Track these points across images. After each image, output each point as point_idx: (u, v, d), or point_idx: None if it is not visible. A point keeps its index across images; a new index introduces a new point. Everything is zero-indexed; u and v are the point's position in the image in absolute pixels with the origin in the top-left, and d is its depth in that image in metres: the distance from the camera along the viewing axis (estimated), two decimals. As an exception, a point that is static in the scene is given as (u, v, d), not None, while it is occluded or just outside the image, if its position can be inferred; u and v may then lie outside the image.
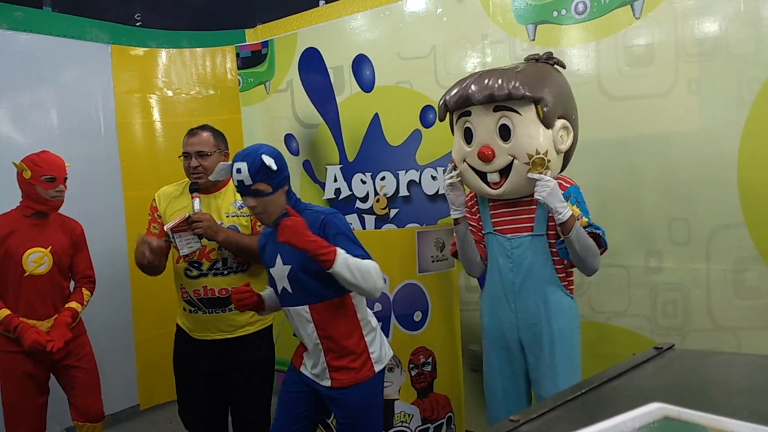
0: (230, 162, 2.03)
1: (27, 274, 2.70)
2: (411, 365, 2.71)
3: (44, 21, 3.51)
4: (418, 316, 2.74)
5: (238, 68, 4.09)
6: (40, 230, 2.77)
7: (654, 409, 0.55)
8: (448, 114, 2.34)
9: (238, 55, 4.08)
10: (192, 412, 2.73)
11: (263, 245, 2.22)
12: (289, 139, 3.86)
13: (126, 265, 3.75)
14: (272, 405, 2.72)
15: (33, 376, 2.75)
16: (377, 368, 2.14)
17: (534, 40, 2.86)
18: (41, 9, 3.56)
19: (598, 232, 2.15)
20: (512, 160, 2.14)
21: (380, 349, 2.18)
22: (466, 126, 2.24)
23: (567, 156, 2.26)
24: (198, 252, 2.48)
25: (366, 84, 3.49)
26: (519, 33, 2.91)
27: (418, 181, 3.30)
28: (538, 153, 2.10)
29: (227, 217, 2.54)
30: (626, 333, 2.70)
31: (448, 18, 3.16)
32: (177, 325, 2.77)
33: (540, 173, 2.10)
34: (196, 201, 2.45)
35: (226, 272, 2.54)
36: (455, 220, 2.31)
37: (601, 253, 2.18)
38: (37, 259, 2.73)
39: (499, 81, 2.11)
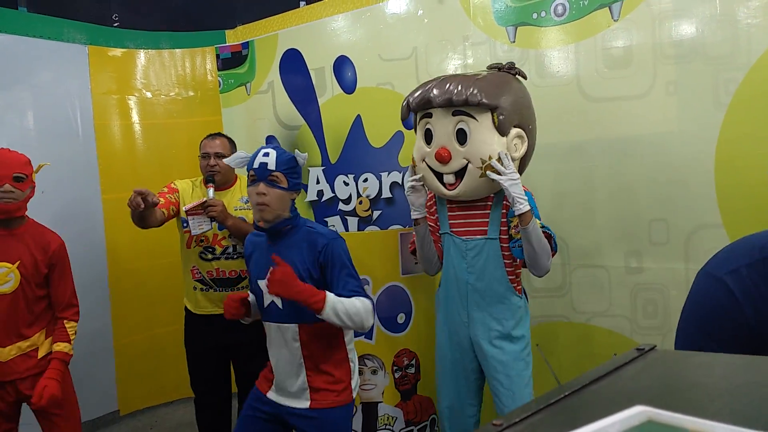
0: (248, 154, 2.12)
1: None
2: (395, 367, 2.71)
3: (20, 21, 3.45)
4: (401, 318, 2.74)
5: (219, 69, 4.06)
6: (6, 242, 2.40)
7: (637, 413, 0.55)
8: (411, 114, 2.41)
9: (218, 56, 4.05)
10: (203, 384, 2.99)
11: (250, 253, 2.19)
12: (270, 140, 3.84)
13: (105, 269, 3.71)
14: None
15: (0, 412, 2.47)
16: (354, 395, 2.15)
17: (514, 42, 2.88)
18: (17, 9, 3.50)
19: (550, 233, 2.23)
20: (467, 164, 2.21)
21: (356, 376, 2.18)
22: (426, 127, 2.32)
23: (522, 164, 2.35)
24: (207, 234, 2.82)
25: (348, 85, 3.48)
26: (499, 35, 2.92)
27: (401, 182, 3.30)
28: (490, 158, 2.17)
29: (235, 210, 2.88)
30: (607, 333, 2.72)
31: (429, 20, 3.17)
32: (186, 309, 2.99)
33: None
34: (211, 190, 2.81)
35: (236, 256, 2.89)
36: (415, 220, 2.40)
37: (552, 256, 2.24)
38: (1, 276, 2.38)
39: (459, 87, 2.19)
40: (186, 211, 2.75)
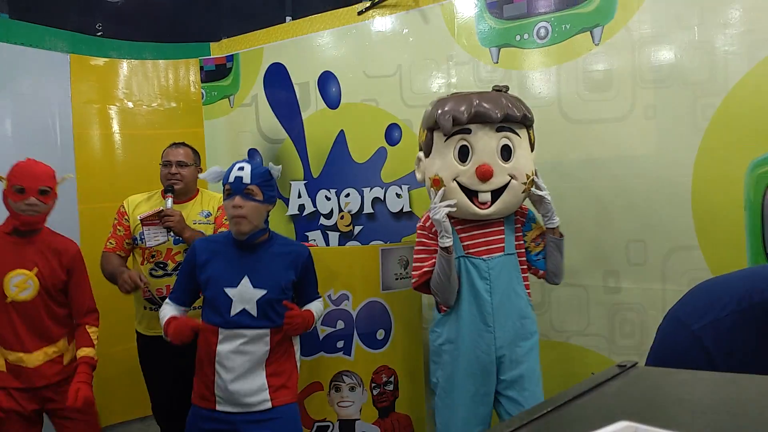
0: (223, 169, 2.16)
1: (9, 300, 2.36)
2: (373, 384, 2.69)
3: (1, 28, 3.41)
4: (381, 335, 2.72)
5: (202, 81, 4.04)
6: (23, 250, 2.40)
7: (622, 428, 0.55)
8: (426, 132, 2.31)
9: (202, 68, 4.04)
10: (165, 408, 2.88)
11: (206, 260, 2.14)
12: (252, 153, 3.83)
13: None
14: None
15: (23, 415, 2.42)
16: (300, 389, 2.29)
17: (497, 62, 2.92)
18: (-2, 15, 3.46)
19: None
20: (509, 180, 2.22)
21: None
22: (462, 144, 2.20)
23: None
24: (160, 248, 2.70)
25: (332, 101, 3.50)
26: (483, 55, 2.96)
27: (382, 198, 3.30)
28: (532, 174, 2.27)
29: (194, 224, 2.76)
30: (586, 352, 2.74)
31: (414, 38, 3.20)
32: (137, 332, 2.86)
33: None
34: (169, 200, 2.71)
35: None
36: (446, 248, 2.17)
37: None
38: (20, 283, 2.38)
39: (511, 103, 2.22)
40: (141, 220, 2.65)
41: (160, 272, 2.74)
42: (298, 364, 2.28)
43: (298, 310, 2.16)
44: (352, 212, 3.42)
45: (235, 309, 2.08)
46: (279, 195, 2.22)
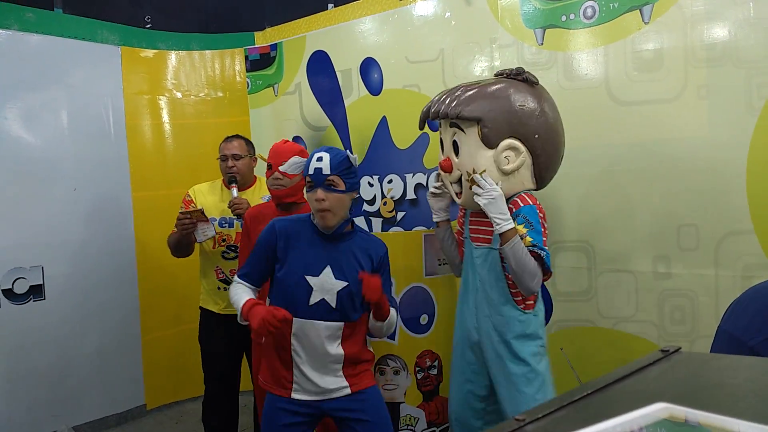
0: (303, 159, 2.17)
1: None
2: (417, 368, 2.71)
3: (55, 22, 3.54)
4: (424, 320, 2.74)
5: (247, 71, 4.11)
6: None
7: (659, 409, 0.55)
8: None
9: (246, 57, 4.10)
10: (217, 382, 3.01)
11: (286, 244, 2.05)
12: (297, 141, 3.88)
13: (134, 266, 3.78)
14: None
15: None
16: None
17: (542, 44, 2.86)
18: (52, 10, 3.59)
19: (540, 253, 2.09)
20: (461, 175, 2.27)
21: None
22: (440, 137, 2.39)
23: (540, 174, 2.26)
24: (230, 232, 2.92)
25: (374, 87, 3.50)
26: (527, 37, 2.91)
27: (425, 184, 3.30)
28: (474, 172, 2.16)
29: None
30: (633, 339, 2.69)
31: (456, 22, 3.17)
32: (203, 310, 3.03)
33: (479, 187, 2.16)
34: (234, 189, 2.88)
35: None
36: (436, 223, 2.48)
37: (546, 278, 2.17)
38: None
39: (447, 99, 2.22)
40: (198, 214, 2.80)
41: (232, 254, 2.94)
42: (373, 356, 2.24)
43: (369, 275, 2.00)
44: (395, 198, 3.43)
45: (314, 298, 2.00)
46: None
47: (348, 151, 2.06)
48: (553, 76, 2.79)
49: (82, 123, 3.61)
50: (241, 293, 2.05)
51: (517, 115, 2.17)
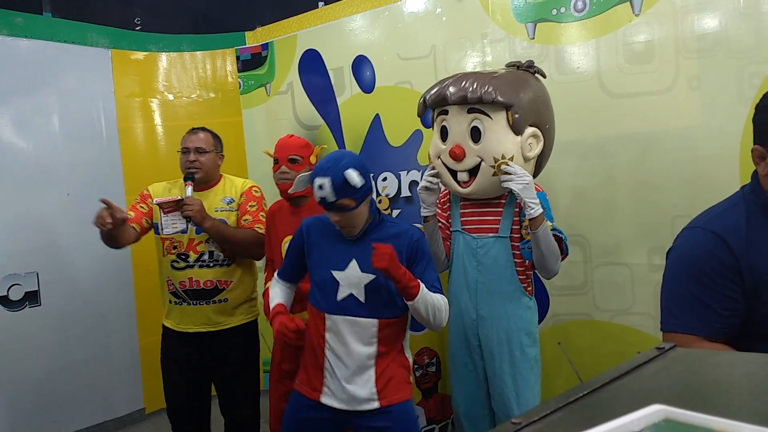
0: (308, 174, 1.95)
1: None
2: (416, 366, 2.72)
3: (44, 27, 3.52)
4: (421, 317, 2.73)
5: (239, 71, 4.09)
6: (293, 220, 2.47)
7: (655, 411, 0.55)
8: (431, 111, 2.42)
9: (238, 57, 4.09)
10: (179, 411, 2.77)
11: (315, 241, 2.04)
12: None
13: (129, 268, 3.76)
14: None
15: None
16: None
17: (534, 38, 2.86)
18: (41, 15, 3.56)
19: (561, 236, 2.21)
20: (480, 162, 2.21)
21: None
22: (442, 124, 2.32)
23: (539, 163, 2.33)
24: (181, 238, 2.63)
25: (366, 85, 3.49)
26: (518, 32, 2.91)
27: (419, 181, 3.29)
28: (504, 158, 2.16)
29: (216, 211, 2.68)
30: (630, 331, 2.69)
31: (447, 17, 3.16)
32: (163, 326, 2.81)
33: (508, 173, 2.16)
34: (189, 188, 2.63)
35: (212, 264, 2.65)
36: (425, 218, 2.38)
37: (562, 259, 2.23)
38: None
39: (474, 84, 2.18)
40: (157, 204, 2.56)
41: (182, 264, 2.65)
42: (410, 365, 2.14)
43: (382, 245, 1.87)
44: (390, 196, 3.43)
45: (341, 293, 1.97)
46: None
47: (349, 170, 1.87)
48: (545, 70, 2.77)
49: (74, 127, 3.59)
50: (274, 296, 2.10)
51: (539, 104, 2.24)
